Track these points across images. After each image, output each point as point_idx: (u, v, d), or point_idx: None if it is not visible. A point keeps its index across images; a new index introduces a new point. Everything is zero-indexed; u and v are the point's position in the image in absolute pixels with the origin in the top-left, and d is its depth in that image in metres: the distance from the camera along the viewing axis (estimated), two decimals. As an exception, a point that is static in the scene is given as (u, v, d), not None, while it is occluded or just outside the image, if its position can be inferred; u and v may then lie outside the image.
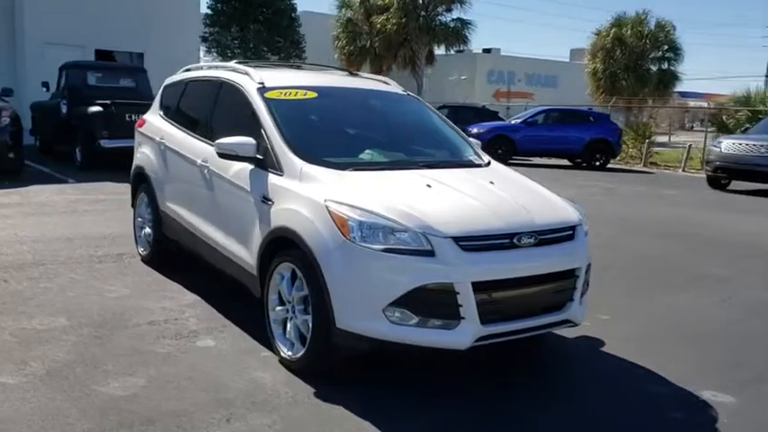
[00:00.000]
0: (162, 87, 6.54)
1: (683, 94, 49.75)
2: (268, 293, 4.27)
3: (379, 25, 29.42)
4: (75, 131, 13.31)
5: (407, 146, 4.98)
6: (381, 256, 3.60)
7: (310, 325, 3.87)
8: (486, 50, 45.04)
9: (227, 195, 4.75)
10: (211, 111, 5.34)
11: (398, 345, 3.66)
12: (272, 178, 4.29)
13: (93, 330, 4.60)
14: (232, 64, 5.60)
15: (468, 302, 3.56)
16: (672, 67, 32.93)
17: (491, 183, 4.36)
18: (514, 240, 3.75)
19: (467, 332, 3.59)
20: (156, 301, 5.25)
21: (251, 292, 4.64)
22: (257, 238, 4.33)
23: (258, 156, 4.43)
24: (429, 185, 4.10)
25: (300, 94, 4.91)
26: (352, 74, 6.04)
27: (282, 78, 5.12)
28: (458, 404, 3.76)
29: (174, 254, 6.13)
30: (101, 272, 6.02)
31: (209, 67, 5.96)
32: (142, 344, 4.41)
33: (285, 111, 4.67)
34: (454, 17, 30.15)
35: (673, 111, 41.08)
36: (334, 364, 3.99)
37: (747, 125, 20.39)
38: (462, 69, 40.96)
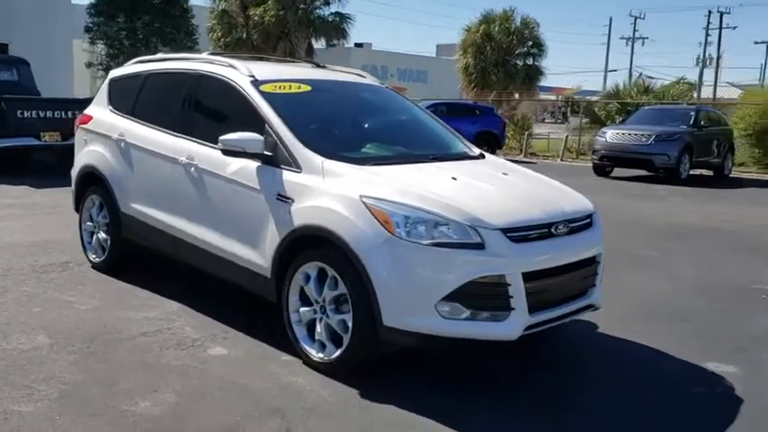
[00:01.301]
0: (107, 81, 6.06)
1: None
2: (288, 295, 4.10)
3: (256, 17, 28.78)
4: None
5: (403, 139, 4.96)
6: (431, 250, 3.56)
7: (350, 324, 3.76)
8: (359, 45, 45.32)
9: (226, 194, 4.49)
10: (190, 105, 5.01)
11: (446, 339, 3.65)
12: (289, 175, 4.11)
13: (85, 346, 4.21)
14: (206, 55, 5.30)
15: (518, 293, 3.60)
16: (537, 63, 34.66)
17: (504, 174, 4.44)
18: (552, 230, 3.84)
19: (516, 323, 3.63)
20: (135, 311, 4.88)
21: (254, 295, 4.46)
22: (272, 237, 4.13)
23: (266, 152, 4.23)
24: (454, 178, 4.10)
25: (294, 88, 4.73)
26: (319, 66, 5.89)
27: (269, 71, 4.91)
28: (500, 395, 3.81)
29: (132, 259, 5.76)
30: (54, 283, 5.50)
31: (175, 59, 5.60)
32: (149, 357, 4.09)
33: (286, 105, 4.48)
34: (333, 11, 30.09)
35: (531, 104, 43.35)
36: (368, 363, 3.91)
37: (617, 116, 21.98)
38: (337, 64, 40.85)
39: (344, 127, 4.79)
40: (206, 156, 4.64)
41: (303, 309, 4.03)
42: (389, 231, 3.60)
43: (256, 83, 4.62)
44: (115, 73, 6.09)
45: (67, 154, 12.21)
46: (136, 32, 13.97)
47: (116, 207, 5.51)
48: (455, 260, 3.56)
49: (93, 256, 5.89)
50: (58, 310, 4.84)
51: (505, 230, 3.64)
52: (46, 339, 4.29)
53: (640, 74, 51.11)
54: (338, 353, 3.84)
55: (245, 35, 30.07)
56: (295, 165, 4.12)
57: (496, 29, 34.14)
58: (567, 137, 22.67)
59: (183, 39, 14.46)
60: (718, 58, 57.07)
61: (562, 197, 4.24)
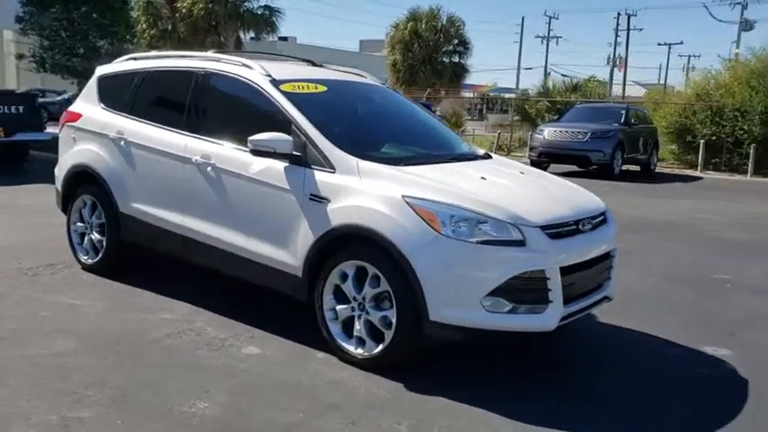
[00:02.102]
0: (96, 78, 5.90)
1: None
2: (322, 293, 4.17)
3: (184, 10, 28.13)
4: None
5: (417, 139, 5.09)
6: (478, 248, 3.72)
7: (393, 320, 3.87)
8: (283, 39, 44.85)
9: (249, 194, 4.50)
10: (200, 105, 4.97)
11: (489, 332, 3.82)
12: (323, 176, 4.18)
13: (114, 350, 4.15)
14: (212, 54, 5.26)
15: (555, 287, 3.82)
16: (462, 61, 35.49)
17: (522, 173, 4.65)
18: (579, 226, 4.08)
19: (553, 314, 3.85)
20: (148, 313, 4.81)
21: (280, 294, 4.51)
22: (305, 236, 4.19)
23: (295, 152, 4.28)
24: (483, 178, 4.28)
25: (312, 88, 4.79)
26: (316, 65, 5.94)
27: (284, 71, 4.93)
28: (539, 384, 4.03)
29: (127, 260, 5.66)
30: (49, 286, 5.34)
31: (175, 57, 5.52)
32: (185, 358, 4.08)
33: (309, 105, 4.53)
34: (262, 4, 29.78)
35: (455, 101, 44.22)
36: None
37: (546, 114, 22.78)
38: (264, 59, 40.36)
39: (365, 127, 4.88)
40: (225, 155, 4.63)
41: (340, 306, 4.11)
42: (436, 230, 3.74)
43: (275, 82, 4.65)
44: (104, 70, 5.94)
45: (13, 151, 11.84)
46: (73, 24, 13.43)
47: (114, 207, 5.40)
48: (500, 257, 3.74)
49: (85, 258, 5.74)
50: (68, 314, 4.73)
51: (543, 227, 3.84)
52: (68, 344, 4.20)
53: (549, 72, 53.24)
54: (380, 348, 3.95)
55: (170, 27, 29.35)
56: (328, 165, 4.19)
57: (423, 26, 34.72)
58: (499, 134, 23.31)
59: (124, 32, 14.00)
60: (627, 57, 59.90)
61: (581, 196, 4.49)
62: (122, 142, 5.33)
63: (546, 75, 53.09)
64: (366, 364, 4.01)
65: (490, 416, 3.53)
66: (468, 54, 35.46)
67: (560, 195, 4.34)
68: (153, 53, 5.82)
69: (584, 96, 24.25)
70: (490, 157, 5.11)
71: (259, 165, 4.43)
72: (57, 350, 4.10)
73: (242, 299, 5.15)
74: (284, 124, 4.41)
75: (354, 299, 4.05)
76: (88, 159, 5.58)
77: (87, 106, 5.79)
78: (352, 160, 4.16)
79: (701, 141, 19.19)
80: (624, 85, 53.07)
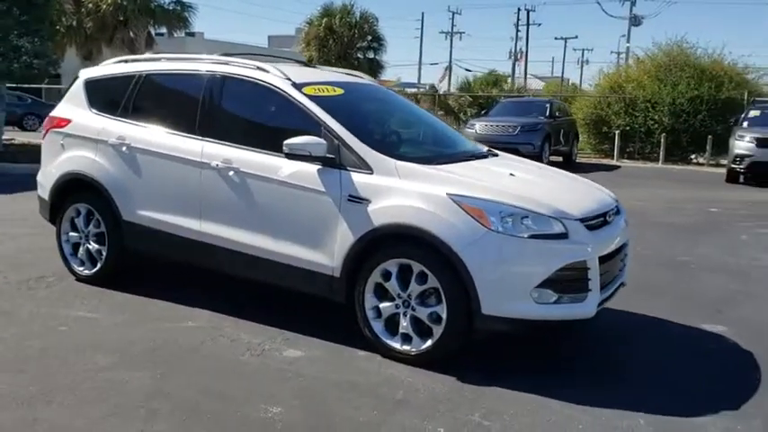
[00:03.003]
0: (82, 82, 5.68)
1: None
2: (363, 292, 4.25)
3: (90, 5, 26.93)
4: None
5: (431, 138, 5.22)
6: (526, 242, 3.92)
7: (443, 315, 4.00)
8: (190, 34, 43.63)
9: (279, 197, 4.50)
10: (214, 109, 4.90)
11: (536, 322, 4.02)
12: (361, 177, 4.25)
13: (155, 361, 4.07)
14: (218, 56, 5.19)
15: (594, 276, 4.06)
16: (378, 57, 35.70)
17: (539, 169, 4.88)
18: (606, 218, 4.34)
19: (593, 302, 4.09)
20: (170, 322, 4.73)
21: (313, 295, 4.55)
22: (344, 237, 4.25)
23: (329, 155, 4.33)
24: (512, 174, 4.48)
25: (331, 91, 4.83)
26: (308, 65, 5.97)
27: (300, 74, 4.95)
28: (576, 370, 4.28)
29: (126, 269, 5.53)
30: (53, 300, 5.13)
31: (174, 60, 5.40)
32: (232, 365, 4.07)
33: (336, 108, 4.59)
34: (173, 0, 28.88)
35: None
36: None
37: (469, 109, 23.38)
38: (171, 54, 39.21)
39: (387, 128, 4.97)
40: (249, 159, 4.61)
41: (384, 304, 4.20)
42: (485, 226, 3.91)
43: (297, 86, 4.67)
44: (90, 74, 5.73)
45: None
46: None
47: (116, 215, 5.24)
48: (547, 250, 3.94)
49: (80, 269, 5.53)
50: (89, 328, 4.58)
51: (582, 220, 4.08)
52: (106, 358, 4.09)
53: (448, 67, 54.53)
54: (429, 344, 4.07)
55: (74, 23, 28.02)
56: (365, 167, 4.27)
57: (338, 22, 34.66)
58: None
59: (47, 30, 13.21)
60: (527, 51, 62.13)
61: (598, 189, 4.76)
62: (124, 148, 5.18)
63: (450, 70, 54.38)
64: (412, 360, 4.12)
65: (550, 401, 3.72)
66: (384, 50, 35.63)
67: (582, 189, 4.60)
68: (146, 56, 5.66)
69: (503, 91, 25.05)
70: (497, 154, 5.31)
71: (289, 168, 4.44)
72: (100, 365, 3.99)
73: (260, 302, 5.14)
74: (313, 127, 4.45)
75: (399, 296, 4.15)
76: (83, 167, 5.38)
77: (76, 111, 5.58)
78: (390, 161, 4.25)
79: (617, 132, 20.26)
80: (525, 78, 55.04)
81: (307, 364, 4.11)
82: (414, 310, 4.12)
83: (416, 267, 4.08)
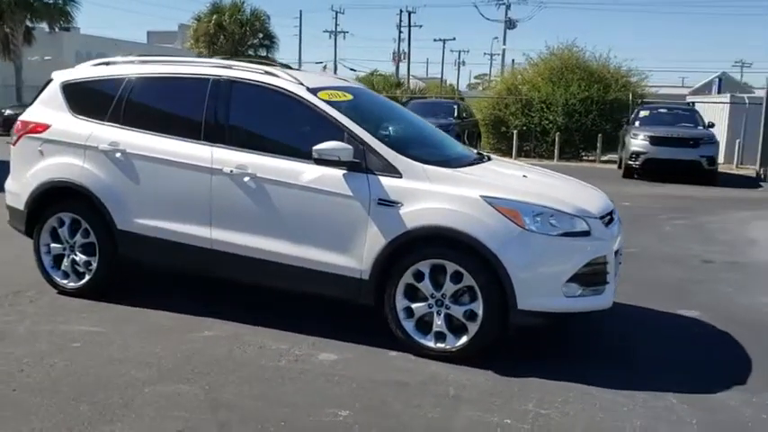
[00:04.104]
0: (59, 85, 5.37)
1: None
2: (394, 294, 4.35)
3: (-40, -2, 25.02)
4: None
5: (433, 142, 5.35)
6: (557, 240, 4.17)
7: (480, 312, 4.18)
8: (65, 29, 41.18)
9: (302, 202, 4.50)
10: (222, 114, 4.80)
11: (562, 315, 4.29)
12: (390, 181, 4.34)
13: (196, 373, 3.98)
14: (218, 60, 5.10)
15: (611, 269, 4.39)
16: (270, 55, 35.34)
17: (540, 171, 5.16)
18: (612, 216, 4.68)
19: (611, 293, 4.42)
20: (190, 332, 4.62)
21: (337, 299, 4.61)
22: (374, 240, 4.32)
23: (355, 159, 4.40)
24: (525, 176, 4.73)
25: (342, 96, 4.88)
26: (290, 67, 5.95)
27: (310, 79, 4.95)
28: (603, 360, 4.58)
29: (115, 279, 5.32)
30: (46, 316, 4.85)
31: (170, 63, 5.23)
32: (275, 372, 4.05)
33: (353, 113, 4.65)
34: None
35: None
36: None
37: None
38: (49, 49, 36.83)
39: (399, 132, 5.04)
40: (267, 165, 4.58)
41: (416, 305, 4.32)
42: (520, 226, 4.12)
43: (312, 91, 4.69)
44: (67, 76, 5.42)
45: None
46: None
47: (109, 224, 5.03)
48: (575, 247, 4.22)
49: (64, 281, 5.25)
50: (106, 342, 4.39)
51: (600, 218, 4.39)
52: (143, 372, 3.96)
53: (325, 66, 54.84)
54: (465, 340, 4.24)
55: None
56: (393, 171, 4.37)
57: (227, 19, 34.06)
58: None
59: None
60: (409, 52, 63.59)
61: (595, 189, 5.09)
62: (118, 154, 4.98)
63: (335, 69, 54.60)
64: (447, 357, 4.27)
65: (588, 388, 3.98)
66: (276, 48, 35.50)
67: (587, 190, 4.92)
68: (131, 57, 5.43)
69: (405, 93, 25.57)
70: (491, 157, 5.55)
71: (313, 173, 4.47)
72: (139, 379, 3.86)
73: (268, 308, 5.11)
74: (334, 133, 4.49)
75: (432, 296, 4.29)
76: (69, 174, 5.11)
77: (55, 115, 5.27)
78: (418, 165, 4.38)
79: (514, 131, 21.23)
80: (408, 78, 56.22)
81: (347, 367, 4.16)
82: (448, 308, 4.27)
83: (451, 267, 4.23)
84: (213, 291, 5.46)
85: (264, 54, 35.21)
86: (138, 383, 3.80)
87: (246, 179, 4.61)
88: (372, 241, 4.34)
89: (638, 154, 15.80)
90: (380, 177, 4.37)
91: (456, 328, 4.28)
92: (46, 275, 5.31)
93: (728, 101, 22.16)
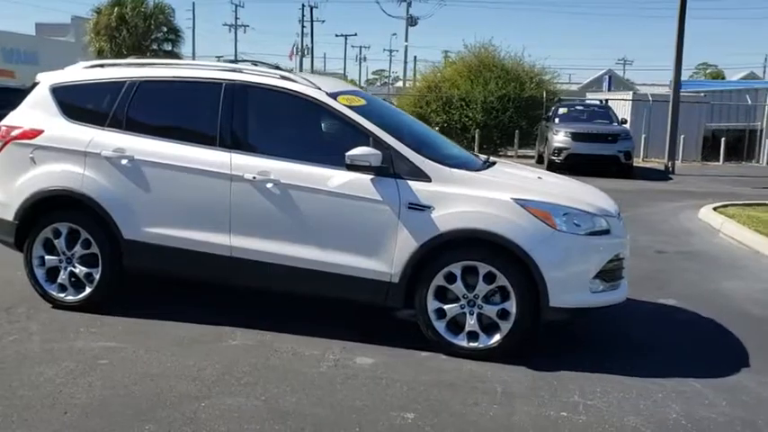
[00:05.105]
0: (49, 88, 5.09)
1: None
2: (425, 295, 4.44)
3: None
4: None
5: (444, 145, 5.43)
6: (585, 239, 4.40)
7: (513, 311, 4.33)
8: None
9: (329, 207, 4.50)
10: (239, 119, 4.71)
11: (587, 310, 4.52)
12: (420, 185, 4.42)
13: (242, 382, 3.93)
14: (224, 64, 4.99)
15: (626, 265, 4.66)
16: (176, 49, 34.30)
17: (546, 173, 5.39)
18: (620, 215, 4.96)
19: (625, 289, 4.69)
20: (214, 343, 4.52)
21: (364, 302, 4.66)
22: (405, 243, 4.39)
23: (384, 165, 4.45)
24: (540, 178, 4.93)
25: (358, 101, 4.90)
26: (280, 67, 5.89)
27: (324, 82, 4.93)
28: (621, 352, 4.85)
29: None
30: (52, 333, 4.60)
31: (175, 67, 5.07)
32: (322, 378, 4.05)
33: (375, 118, 4.71)
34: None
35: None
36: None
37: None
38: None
39: (415, 136, 5.09)
40: (291, 171, 4.55)
41: (448, 306, 4.43)
42: (552, 227, 4.31)
43: (332, 96, 4.69)
44: (57, 79, 5.13)
45: None
46: None
47: (114, 234, 4.83)
48: (600, 245, 4.46)
49: (62, 295, 4.99)
50: (134, 358, 4.23)
51: (617, 217, 4.65)
52: (188, 386, 3.86)
53: (220, 57, 53.93)
54: (497, 338, 4.38)
55: None
56: (421, 175, 4.45)
57: (130, 12, 32.73)
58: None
59: None
60: (313, 48, 63.47)
61: (598, 190, 5.35)
62: (124, 161, 4.79)
63: (236, 62, 53.53)
64: (478, 356, 4.40)
65: (620, 378, 4.22)
66: (181, 42, 34.42)
67: (594, 190, 5.16)
68: (129, 60, 5.22)
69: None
70: (495, 161, 5.68)
71: (340, 178, 4.48)
72: (190, 394, 3.76)
73: (279, 314, 5.07)
74: (359, 138, 4.53)
75: (464, 296, 4.41)
76: (68, 182, 4.86)
77: (47, 120, 5.00)
78: (446, 169, 4.49)
79: (436, 128, 21.63)
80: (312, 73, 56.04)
81: (388, 370, 4.21)
82: (480, 308, 4.40)
83: (483, 268, 4.36)
84: (215, 299, 5.36)
85: (170, 49, 34.10)
86: (190, 398, 3.71)
87: (270, 185, 4.56)
88: (403, 245, 4.41)
89: (560, 150, 16.53)
90: (410, 182, 4.44)
91: (487, 327, 4.42)
92: (39, 289, 5.03)
93: (631, 98, 23.52)
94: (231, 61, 4.94)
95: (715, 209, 10.74)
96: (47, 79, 5.18)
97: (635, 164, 17.57)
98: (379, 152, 4.41)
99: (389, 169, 4.46)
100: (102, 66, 5.23)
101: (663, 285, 6.53)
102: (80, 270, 4.95)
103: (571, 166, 16.48)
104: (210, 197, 4.68)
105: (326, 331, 4.72)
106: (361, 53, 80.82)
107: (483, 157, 5.58)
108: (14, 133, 5.03)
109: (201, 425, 3.42)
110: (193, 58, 61.77)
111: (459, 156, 5.15)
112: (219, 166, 4.65)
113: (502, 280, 4.34)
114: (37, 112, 5.08)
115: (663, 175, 17.52)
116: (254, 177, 4.57)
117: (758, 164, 22.82)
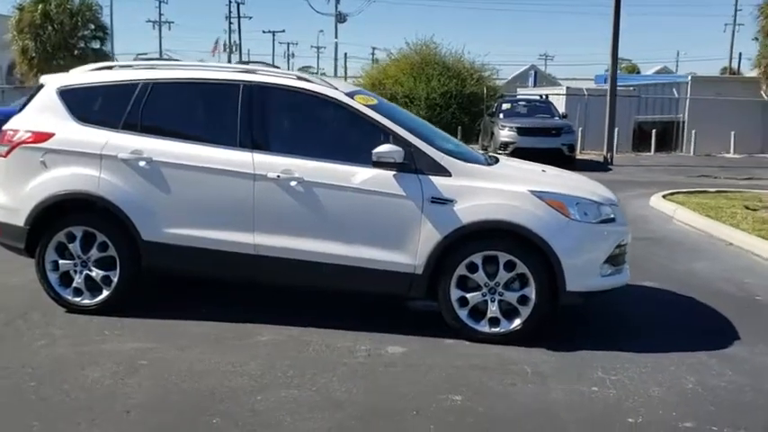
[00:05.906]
0: (56, 91, 5.03)
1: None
2: (449, 286, 4.66)
3: None
4: None
5: (450, 142, 5.64)
6: (596, 226, 4.72)
7: (533, 296, 4.60)
8: None
9: (353, 203, 4.66)
10: (258, 120, 4.80)
11: (597, 293, 4.84)
12: (441, 180, 4.63)
13: (296, 377, 4.04)
14: (238, 65, 5.06)
15: (628, 250, 5.01)
16: (104, 48, 33.31)
17: (548, 166, 5.68)
18: (617, 205, 5.30)
19: (628, 272, 5.04)
20: (242, 339, 4.61)
21: (388, 294, 4.84)
22: (429, 236, 4.58)
23: (406, 161, 4.63)
24: (544, 170, 5.22)
25: (371, 100, 5.06)
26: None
27: (336, 83, 5.08)
28: (633, 333, 5.19)
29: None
30: (77, 337, 4.57)
31: (187, 69, 5.09)
32: (363, 368, 4.21)
33: (393, 117, 4.90)
34: None
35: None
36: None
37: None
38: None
39: (426, 133, 5.26)
40: (314, 169, 4.68)
41: (471, 294, 4.66)
42: (567, 216, 4.60)
43: (349, 95, 4.85)
44: (64, 82, 5.08)
45: None
46: None
47: (133, 236, 4.84)
48: (608, 232, 4.78)
49: (77, 299, 4.96)
50: (171, 358, 4.27)
51: (617, 205, 4.98)
52: (242, 381, 3.95)
53: (139, 55, 52.82)
54: (517, 323, 4.64)
55: None
56: (442, 170, 4.66)
57: (54, 9, 31.57)
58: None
59: None
60: (240, 44, 62.68)
61: (595, 181, 5.67)
62: (143, 163, 4.80)
63: (160, 59, 52.44)
64: (499, 341, 4.65)
65: (634, 355, 4.52)
66: (109, 39, 33.40)
67: (593, 181, 5.49)
68: (138, 62, 5.20)
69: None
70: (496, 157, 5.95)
71: (363, 175, 4.64)
72: (244, 389, 3.86)
73: (299, 307, 5.19)
74: (379, 135, 4.71)
75: (486, 284, 4.65)
76: (83, 185, 4.84)
77: (57, 123, 4.94)
78: (465, 164, 4.73)
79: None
80: (240, 71, 55.34)
81: (422, 358, 4.40)
82: (501, 295, 4.65)
83: (503, 257, 4.61)
84: (228, 297, 5.43)
85: (98, 47, 33.09)
86: (245, 392, 3.81)
87: (293, 183, 4.67)
88: (427, 237, 4.61)
89: (507, 144, 17.05)
90: (432, 177, 4.64)
91: (506, 312, 4.67)
92: (53, 294, 4.98)
93: (565, 92, 24.40)
94: (244, 62, 4.98)
95: (664, 197, 11.39)
96: (53, 82, 5.12)
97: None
98: (401, 149, 4.59)
99: (411, 165, 4.65)
100: (110, 68, 5.21)
101: (641, 270, 6.91)
102: (97, 273, 4.93)
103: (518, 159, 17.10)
104: (233, 196, 4.76)
105: (350, 323, 4.87)
106: (289, 50, 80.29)
107: (481, 151, 5.84)
108: (23, 137, 4.96)
109: (265, 416, 3.54)
110: (113, 57, 60.29)
111: (466, 151, 5.38)
112: (241, 165, 4.73)
113: (522, 268, 4.60)
114: (45, 115, 5.01)
115: (603, 167, 18.28)
116: (278, 176, 4.68)
117: (684, 153, 24.07)
